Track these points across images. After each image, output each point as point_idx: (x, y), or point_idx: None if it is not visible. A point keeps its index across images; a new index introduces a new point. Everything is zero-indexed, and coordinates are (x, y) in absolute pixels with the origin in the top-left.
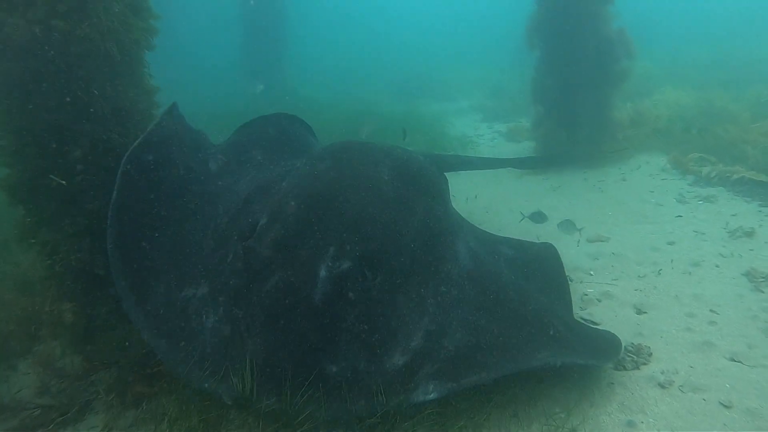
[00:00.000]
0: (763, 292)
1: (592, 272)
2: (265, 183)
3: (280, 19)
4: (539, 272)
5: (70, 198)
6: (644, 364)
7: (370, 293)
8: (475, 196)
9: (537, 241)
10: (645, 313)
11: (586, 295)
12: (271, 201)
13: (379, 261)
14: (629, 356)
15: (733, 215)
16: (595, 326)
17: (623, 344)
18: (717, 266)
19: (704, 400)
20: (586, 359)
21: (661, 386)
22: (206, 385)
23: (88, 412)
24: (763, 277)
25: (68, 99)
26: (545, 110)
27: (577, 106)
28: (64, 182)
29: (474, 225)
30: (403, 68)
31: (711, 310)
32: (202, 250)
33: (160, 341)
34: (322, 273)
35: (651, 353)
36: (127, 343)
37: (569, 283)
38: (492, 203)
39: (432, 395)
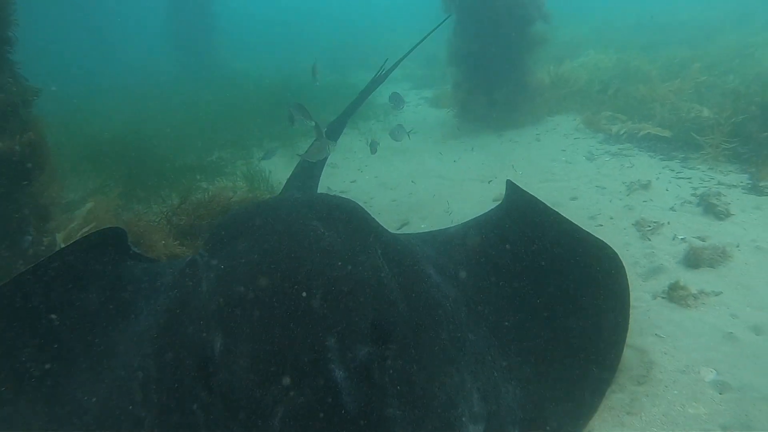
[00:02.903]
0: (648, 239)
1: None
2: (173, 304)
3: None
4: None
5: None
6: None
7: (397, 371)
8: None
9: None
10: None
11: None
12: (209, 315)
13: (381, 328)
14: None
15: (635, 169)
16: None
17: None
18: (611, 218)
19: None
20: None
21: None
22: None
23: None
24: (650, 226)
25: None
26: (462, 75)
27: (492, 70)
28: None
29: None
30: (338, 40)
31: None
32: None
33: None
34: (340, 374)
35: None
36: None
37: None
38: (416, 170)
39: None
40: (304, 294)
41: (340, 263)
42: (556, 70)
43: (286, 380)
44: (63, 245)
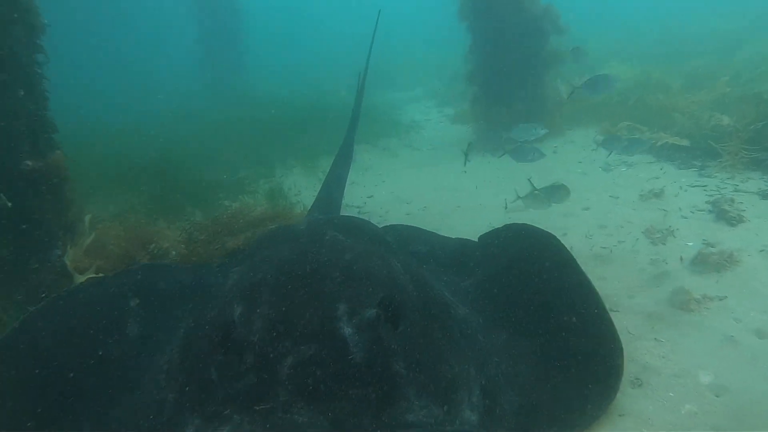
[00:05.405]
0: (657, 246)
1: None
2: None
3: (236, 16)
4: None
5: None
6: None
7: (405, 341)
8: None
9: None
10: None
11: None
12: (230, 295)
13: (390, 301)
14: None
15: (650, 179)
16: None
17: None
18: (621, 226)
19: None
20: None
21: None
22: None
23: None
24: (660, 233)
25: None
26: (480, 92)
27: (508, 87)
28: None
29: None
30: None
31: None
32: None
33: None
34: (348, 330)
35: None
36: None
37: None
38: (432, 185)
39: None
40: (319, 274)
41: (356, 257)
42: (576, 83)
43: (295, 336)
44: (67, 261)
